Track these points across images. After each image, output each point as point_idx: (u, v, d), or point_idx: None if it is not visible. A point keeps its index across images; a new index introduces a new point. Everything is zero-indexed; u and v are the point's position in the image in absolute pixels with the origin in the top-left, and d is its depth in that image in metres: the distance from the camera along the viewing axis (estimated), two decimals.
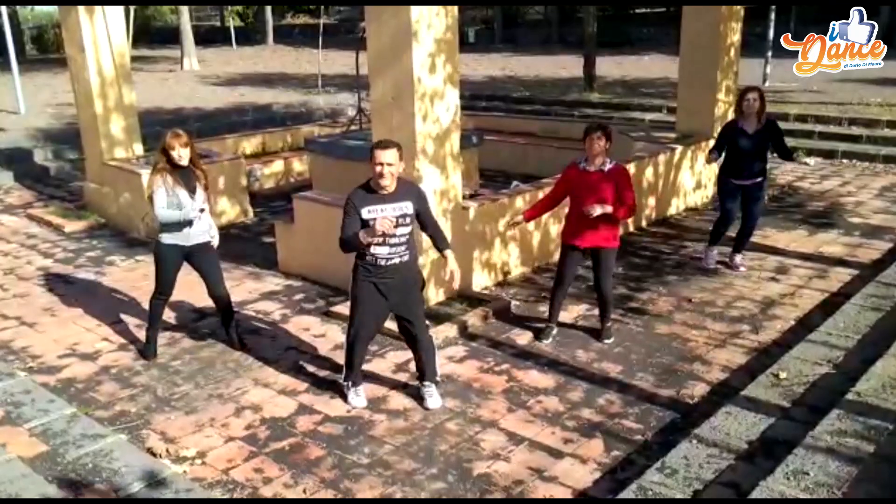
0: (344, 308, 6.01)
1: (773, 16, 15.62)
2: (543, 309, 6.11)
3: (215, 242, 5.38)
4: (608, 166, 5.19)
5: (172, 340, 5.73)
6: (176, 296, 6.50)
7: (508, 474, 4.01)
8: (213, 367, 5.29)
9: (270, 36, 35.79)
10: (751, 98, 6.31)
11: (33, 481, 3.63)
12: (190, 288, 6.74)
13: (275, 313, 6.19)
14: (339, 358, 5.36)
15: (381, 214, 4.23)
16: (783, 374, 4.53)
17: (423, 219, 4.49)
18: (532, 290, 6.54)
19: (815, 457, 3.49)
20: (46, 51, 33.23)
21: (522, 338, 5.62)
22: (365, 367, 5.21)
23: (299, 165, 10.66)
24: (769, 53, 15.59)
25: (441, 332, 5.53)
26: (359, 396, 4.74)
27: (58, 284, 7.00)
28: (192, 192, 5.07)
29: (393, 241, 4.32)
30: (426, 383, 4.72)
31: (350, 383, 4.75)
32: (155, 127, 12.71)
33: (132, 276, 7.17)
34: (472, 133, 9.14)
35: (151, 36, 36.67)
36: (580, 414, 4.57)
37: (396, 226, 4.23)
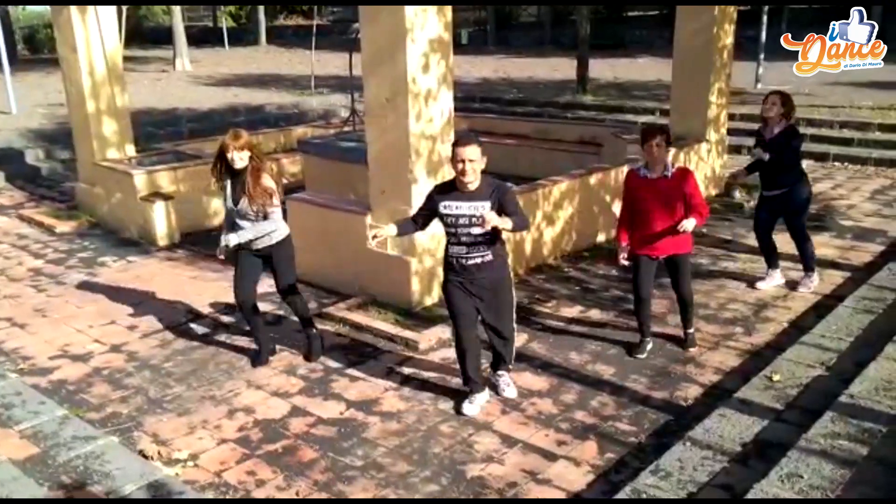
0: (336, 310, 6.02)
1: (765, 18, 15.70)
2: (539, 309, 6.12)
3: (232, 241, 4.97)
4: (671, 170, 4.98)
5: (164, 342, 5.69)
6: (169, 296, 6.52)
7: (502, 477, 4.00)
8: (205, 368, 5.26)
9: (263, 36, 35.74)
10: (766, 103, 6.08)
11: (24, 484, 3.60)
12: (182, 289, 6.73)
13: (267, 315, 6.14)
14: (332, 360, 5.36)
15: (457, 211, 4.20)
16: (776, 377, 4.54)
17: (505, 211, 4.20)
18: (526, 291, 6.53)
19: (808, 459, 3.50)
20: (38, 51, 33.08)
21: (517, 339, 5.59)
22: (358, 368, 5.20)
23: (292, 166, 10.62)
24: (761, 56, 15.66)
25: (435, 334, 5.52)
26: (472, 405, 4.59)
27: (49, 285, 6.96)
28: (235, 199, 4.92)
29: (466, 240, 4.23)
30: (500, 372, 4.77)
31: (469, 389, 4.65)
32: (147, 128, 12.71)
33: (124, 276, 7.14)
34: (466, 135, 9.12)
35: (144, 36, 36.54)
36: (574, 416, 4.57)
37: (469, 224, 4.19)
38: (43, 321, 6.14)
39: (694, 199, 4.95)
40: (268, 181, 4.91)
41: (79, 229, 8.67)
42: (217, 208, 8.63)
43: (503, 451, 4.22)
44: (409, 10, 5.43)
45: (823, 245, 7.52)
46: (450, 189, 4.29)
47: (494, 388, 4.79)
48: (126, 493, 3.60)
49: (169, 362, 5.36)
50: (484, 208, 4.15)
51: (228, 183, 4.98)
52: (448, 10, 5.77)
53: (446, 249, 4.38)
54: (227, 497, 3.87)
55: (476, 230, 4.22)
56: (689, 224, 4.82)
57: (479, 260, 4.29)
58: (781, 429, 3.97)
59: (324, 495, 3.88)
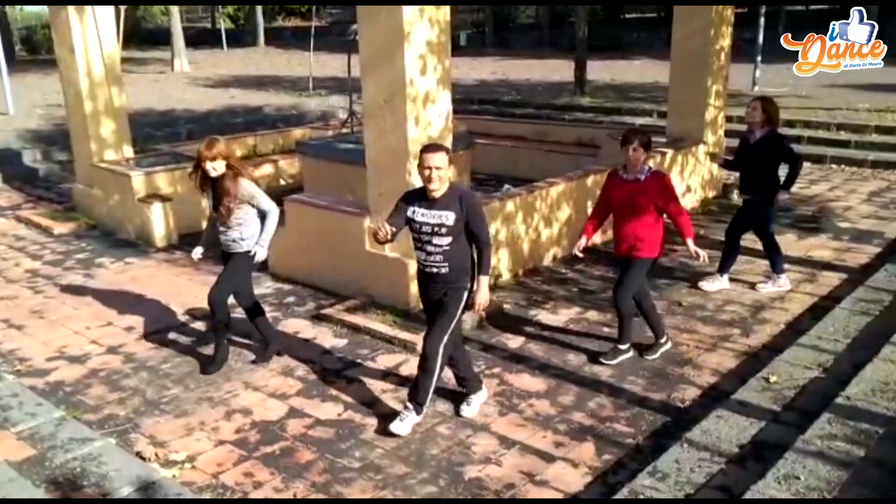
0: (335, 311, 6.02)
1: (762, 21, 15.73)
2: (534, 312, 6.13)
3: (260, 255, 5.07)
4: (644, 174, 4.98)
5: (162, 343, 5.69)
6: (167, 298, 6.52)
7: (500, 478, 4.00)
8: (203, 369, 5.25)
9: (262, 38, 35.75)
10: (748, 107, 6.16)
11: (21, 485, 3.60)
12: (179, 290, 6.73)
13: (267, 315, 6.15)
14: (330, 361, 5.36)
15: (422, 218, 4.20)
16: (774, 378, 4.55)
17: (471, 230, 4.22)
18: (523, 293, 6.54)
19: (805, 461, 3.50)
20: (36, 52, 33.07)
21: (514, 341, 5.61)
22: (356, 370, 5.20)
23: (290, 168, 10.62)
24: (759, 58, 15.69)
25: None
26: (469, 406, 4.58)
27: (46, 287, 6.95)
28: (215, 205, 4.95)
29: (429, 248, 4.23)
30: (407, 404, 4.43)
31: (465, 391, 4.62)
32: (145, 129, 12.70)
33: (121, 278, 7.13)
34: (464, 136, 9.15)
35: (142, 37, 36.55)
36: (571, 417, 4.57)
37: (432, 234, 4.18)
38: (40, 322, 6.14)
39: (671, 207, 4.98)
40: (245, 185, 4.94)
41: (76, 231, 8.66)
42: None
43: (501, 453, 4.22)
44: (407, 12, 5.44)
45: (820, 247, 7.54)
46: (419, 195, 4.28)
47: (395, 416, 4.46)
48: (123, 495, 3.60)
49: (166, 364, 5.36)
50: (447, 218, 4.15)
51: (210, 190, 5.00)
52: (446, 11, 5.77)
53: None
54: (225, 498, 3.87)
55: (437, 240, 4.20)
56: (691, 245, 4.96)
57: (435, 270, 4.26)
58: (778, 430, 3.98)
59: (322, 497, 3.88)
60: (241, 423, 4.56)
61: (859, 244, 7.60)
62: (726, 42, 9.01)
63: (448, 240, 4.20)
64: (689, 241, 5.04)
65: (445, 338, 4.29)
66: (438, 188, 4.17)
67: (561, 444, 4.30)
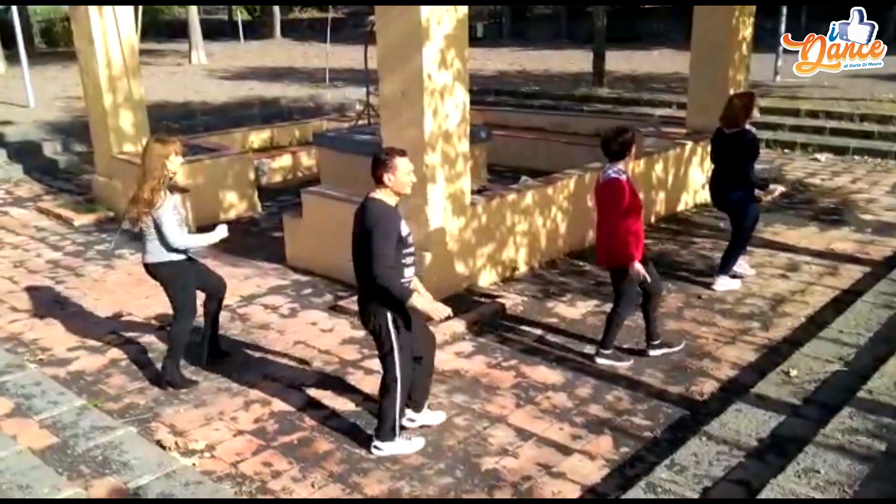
0: (351, 303, 6.02)
1: (784, 10, 15.54)
2: (551, 305, 6.11)
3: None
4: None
5: None
6: None
7: (517, 470, 4.00)
8: (221, 359, 5.29)
9: (278, 30, 35.81)
10: (757, 103, 6.10)
11: (44, 473, 3.64)
12: None
13: (283, 308, 6.19)
14: (347, 353, 5.37)
15: (409, 229, 3.96)
16: (794, 372, 4.51)
17: None
18: (540, 285, 6.52)
19: (826, 455, 3.47)
20: (55, 44, 33.28)
21: (530, 333, 5.60)
22: (372, 361, 5.21)
23: (307, 160, 10.65)
24: (780, 48, 15.49)
25: (449, 328, 5.52)
26: (410, 441, 4.22)
27: (67, 277, 7.02)
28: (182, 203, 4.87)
29: (415, 257, 4.06)
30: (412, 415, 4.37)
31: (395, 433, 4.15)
32: (163, 121, 12.77)
33: (141, 269, 7.12)
34: (481, 128, 9.12)
35: (159, 30, 36.74)
36: (589, 410, 4.56)
37: (412, 242, 4.01)
38: (61, 313, 6.20)
39: None
40: None
41: (96, 222, 8.74)
42: (232, 202, 8.69)
43: (518, 445, 4.22)
44: (425, 7, 5.41)
45: (842, 239, 7.45)
46: (396, 211, 3.92)
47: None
48: (143, 484, 3.63)
49: (186, 354, 5.38)
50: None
51: (176, 197, 4.83)
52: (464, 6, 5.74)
53: (399, 278, 3.92)
54: (244, 487, 3.90)
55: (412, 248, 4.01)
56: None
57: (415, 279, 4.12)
58: (798, 424, 3.95)
59: (339, 487, 3.90)
60: (259, 413, 4.59)
61: (882, 237, 7.50)
62: (748, 32, 8.89)
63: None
64: None
65: None
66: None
67: (578, 436, 4.29)
